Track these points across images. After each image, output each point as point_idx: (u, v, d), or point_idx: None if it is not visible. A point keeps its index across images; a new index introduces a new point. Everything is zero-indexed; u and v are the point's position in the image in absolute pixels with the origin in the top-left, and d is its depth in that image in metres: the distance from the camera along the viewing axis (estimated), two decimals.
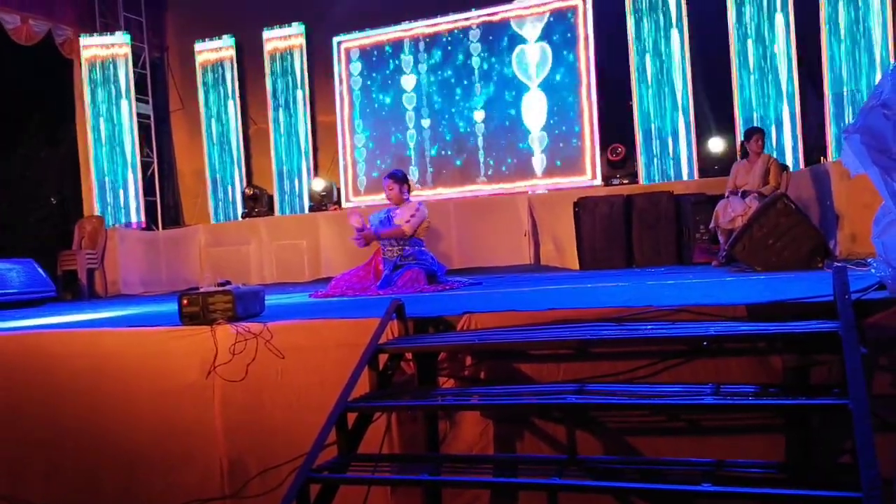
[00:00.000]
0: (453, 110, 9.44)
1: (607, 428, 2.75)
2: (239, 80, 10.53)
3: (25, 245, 9.29)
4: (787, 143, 8.00)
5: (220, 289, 3.54)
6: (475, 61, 9.31)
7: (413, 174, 9.38)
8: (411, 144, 9.64)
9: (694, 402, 2.40)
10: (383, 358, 2.98)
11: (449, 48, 9.44)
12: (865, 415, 1.95)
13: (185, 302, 3.53)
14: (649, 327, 2.70)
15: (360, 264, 6.00)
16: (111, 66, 10.42)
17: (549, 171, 8.99)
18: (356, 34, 9.89)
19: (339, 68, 9.96)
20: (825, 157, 7.60)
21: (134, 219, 10.44)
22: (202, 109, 10.65)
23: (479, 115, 9.31)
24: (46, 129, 11.07)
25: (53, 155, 11.19)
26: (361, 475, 2.63)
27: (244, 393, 3.38)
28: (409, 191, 6.03)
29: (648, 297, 3.38)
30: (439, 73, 9.49)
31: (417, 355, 3.04)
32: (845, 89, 7.60)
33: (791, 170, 7.11)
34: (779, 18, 8.00)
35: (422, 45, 9.56)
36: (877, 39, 7.47)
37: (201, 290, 3.63)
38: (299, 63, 10.14)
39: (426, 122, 9.56)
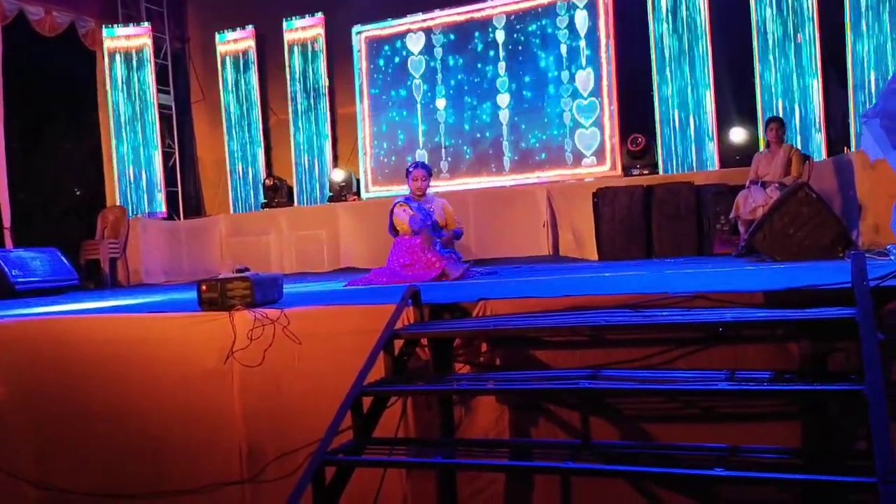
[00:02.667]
0: (473, 101, 9.42)
1: (622, 414, 2.74)
2: (259, 70, 10.57)
3: (50, 235, 9.39)
4: (811, 134, 7.91)
5: (239, 275, 3.58)
6: (496, 52, 9.29)
7: (433, 164, 9.38)
8: (431, 135, 9.63)
9: (709, 388, 2.40)
10: (399, 343, 3.00)
11: (468, 39, 9.41)
12: (881, 401, 1.93)
13: (203, 288, 3.57)
14: (665, 314, 2.69)
15: (379, 254, 6.00)
16: (133, 58, 10.51)
17: (569, 162, 8.95)
18: (376, 24, 9.88)
19: (358, 59, 9.98)
20: (848, 146, 7.50)
21: (156, 209, 10.54)
22: (223, 100, 10.71)
23: (498, 107, 9.28)
24: (70, 120, 11.20)
25: (77, 146, 11.32)
26: (376, 458, 2.65)
27: (262, 378, 3.41)
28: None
29: (665, 285, 3.36)
30: (459, 63, 9.47)
31: (433, 341, 3.05)
32: (869, 78, 7.49)
33: (814, 160, 7.03)
34: (803, 7, 7.89)
35: (441, 36, 9.55)
36: None
37: (220, 276, 3.66)
38: (319, 54, 10.17)
39: (446, 113, 9.55)
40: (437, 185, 8.72)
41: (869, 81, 7.47)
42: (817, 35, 7.86)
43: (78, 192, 12.30)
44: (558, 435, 2.84)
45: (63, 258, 7.91)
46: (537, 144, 9.12)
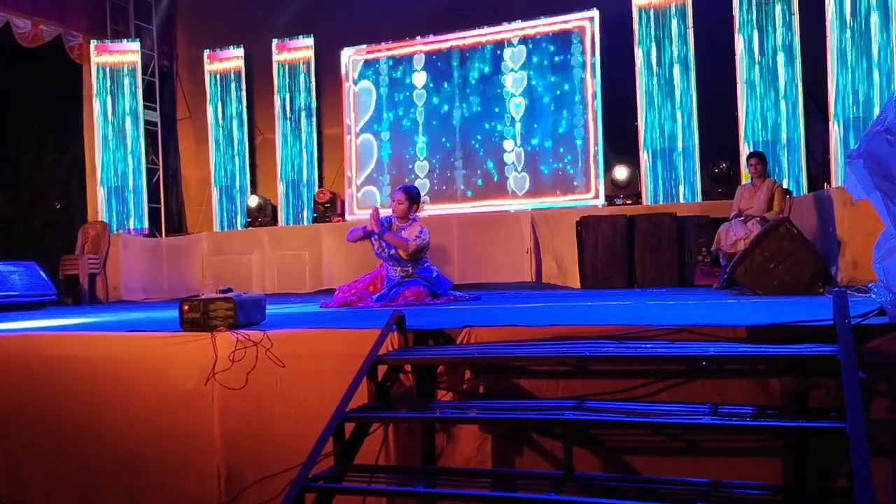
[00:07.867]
0: (460, 126, 9.47)
1: (605, 446, 2.74)
2: (247, 90, 10.58)
3: (30, 248, 9.32)
4: (793, 169, 8.01)
5: (222, 296, 3.55)
6: (484, 77, 9.35)
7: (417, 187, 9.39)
8: (416, 158, 9.66)
9: (692, 422, 2.41)
10: (382, 369, 2.99)
11: (454, 66, 9.47)
12: (863, 439, 1.95)
13: (186, 308, 3.54)
14: (649, 346, 2.70)
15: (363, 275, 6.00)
16: (120, 73, 10.49)
17: (553, 190, 9.01)
18: (364, 47, 9.94)
19: (346, 81, 10.01)
20: (829, 183, 7.60)
21: (138, 225, 10.47)
22: (209, 118, 10.69)
23: (484, 133, 9.34)
24: (54, 133, 11.13)
25: (60, 160, 11.25)
26: (357, 485, 2.63)
27: (243, 401, 3.38)
28: (416, 212, 5.99)
29: (649, 317, 3.38)
30: (446, 88, 9.52)
31: (417, 368, 3.04)
32: (851, 116, 7.60)
33: (794, 195, 7.11)
34: (786, 43, 8.02)
35: (427, 61, 9.60)
36: (883, 66, 7.49)
37: (203, 296, 3.63)
38: (307, 75, 10.20)
39: (431, 138, 9.59)
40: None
41: (849, 118, 7.58)
42: (799, 70, 7.98)
43: (58, 206, 12.20)
44: (541, 465, 2.83)
45: (41, 273, 7.83)
46: (522, 171, 9.17)
